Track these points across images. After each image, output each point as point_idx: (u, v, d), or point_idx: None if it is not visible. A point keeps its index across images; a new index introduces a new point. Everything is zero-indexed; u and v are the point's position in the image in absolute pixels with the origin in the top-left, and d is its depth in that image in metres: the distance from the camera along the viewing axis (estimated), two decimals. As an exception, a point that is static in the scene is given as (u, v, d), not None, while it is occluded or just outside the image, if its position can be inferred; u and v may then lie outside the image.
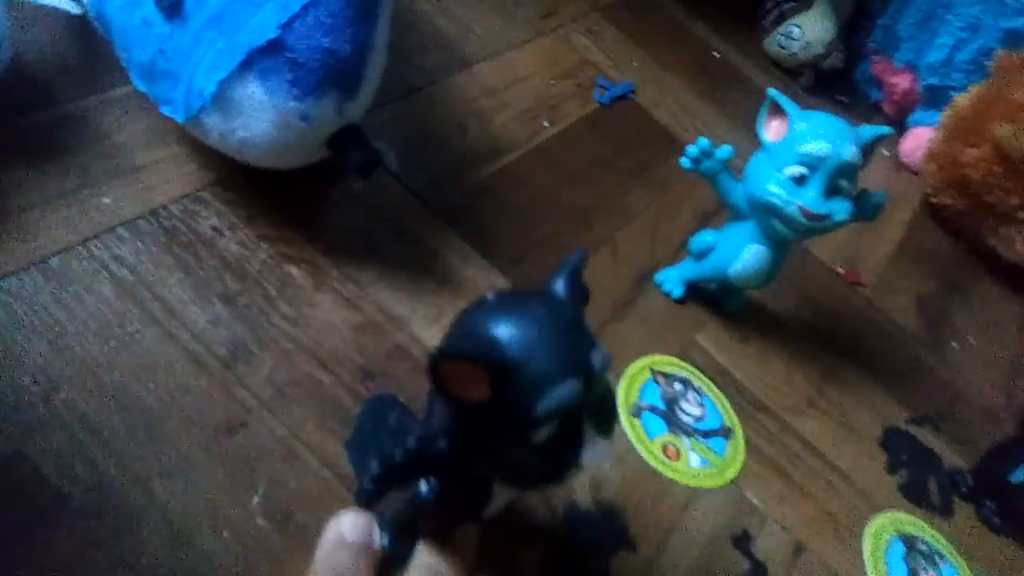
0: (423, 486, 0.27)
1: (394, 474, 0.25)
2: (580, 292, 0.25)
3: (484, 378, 0.22)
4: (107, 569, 0.29)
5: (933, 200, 0.77)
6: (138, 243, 0.39)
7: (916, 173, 0.81)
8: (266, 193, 0.44)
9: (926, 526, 0.48)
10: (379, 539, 0.30)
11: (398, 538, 0.29)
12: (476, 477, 0.27)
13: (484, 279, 0.47)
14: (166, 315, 0.37)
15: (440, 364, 0.22)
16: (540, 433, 0.23)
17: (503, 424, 0.23)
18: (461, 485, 0.27)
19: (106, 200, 0.40)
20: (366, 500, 0.25)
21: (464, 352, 0.22)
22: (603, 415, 0.25)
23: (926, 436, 0.54)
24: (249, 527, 0.30)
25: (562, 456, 0.24)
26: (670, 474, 0.43)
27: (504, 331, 0.23)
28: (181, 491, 0.32)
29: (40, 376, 0.33)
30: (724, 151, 0.47)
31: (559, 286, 0.25)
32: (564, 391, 0.22)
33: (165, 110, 0.40)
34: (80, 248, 0.38)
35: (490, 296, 0.25)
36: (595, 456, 0.25)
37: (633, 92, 0.69)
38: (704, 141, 0.46)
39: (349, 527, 0.30)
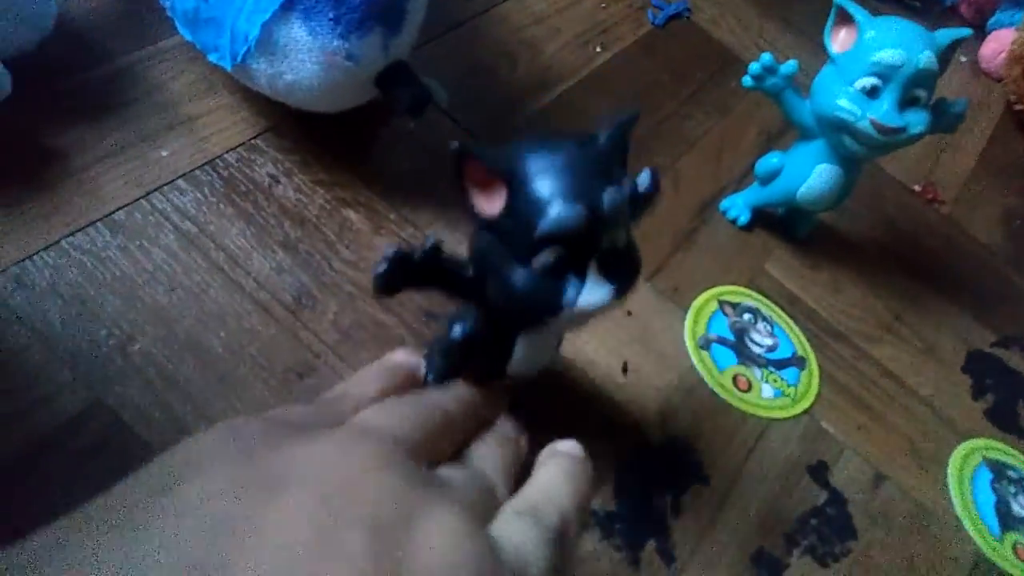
0: (456, 329, 0.28)
1: (408, 268, 0.25)
2: (620, 144, 0.26)
3: (498, 185, 0.24)
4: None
5: (1017, 108, 0.72)
6: (198, 194, 0.39)
7: (998, 79, 0.75)
8: (319, 138, 0.43)
9: (1015, 452, 0.46)
10: (423, 370, 0.31)
11: (438, 379, 0.31)
12: (498, 325, 0.28)
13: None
14: (230, 264, 0.37)
15: (462, 160, 0.24)
16: (542, 257, 0.24)
17: (510, 240, 0.25)
18: (486, 332, 0.28)
19: (164, 153, 0.40)
20: (379, 287, 0.25)
21: (484, 154, 0.24)
22: (614, 267, 0.25)
23: (1013, 359, 0.52)
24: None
25: (559, 286, 0.25)
26: (742, 406, 0.42)
27: (526, 153, 0.24)
28: (257, 435, 0.33)
29: (115, 328, 0.34)
30: (789, 66, 0.44)
31: (603, 135, 0.26)
32: (565, 213, 0.23)
33: (212, 58, 0.39)
34: (143, 201, 0.38)
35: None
36: (594, 300, 0.25)
37: (688, 10, 0.65)
38: (767, 57, 0.44)
39: (399, 352, 0.31)
